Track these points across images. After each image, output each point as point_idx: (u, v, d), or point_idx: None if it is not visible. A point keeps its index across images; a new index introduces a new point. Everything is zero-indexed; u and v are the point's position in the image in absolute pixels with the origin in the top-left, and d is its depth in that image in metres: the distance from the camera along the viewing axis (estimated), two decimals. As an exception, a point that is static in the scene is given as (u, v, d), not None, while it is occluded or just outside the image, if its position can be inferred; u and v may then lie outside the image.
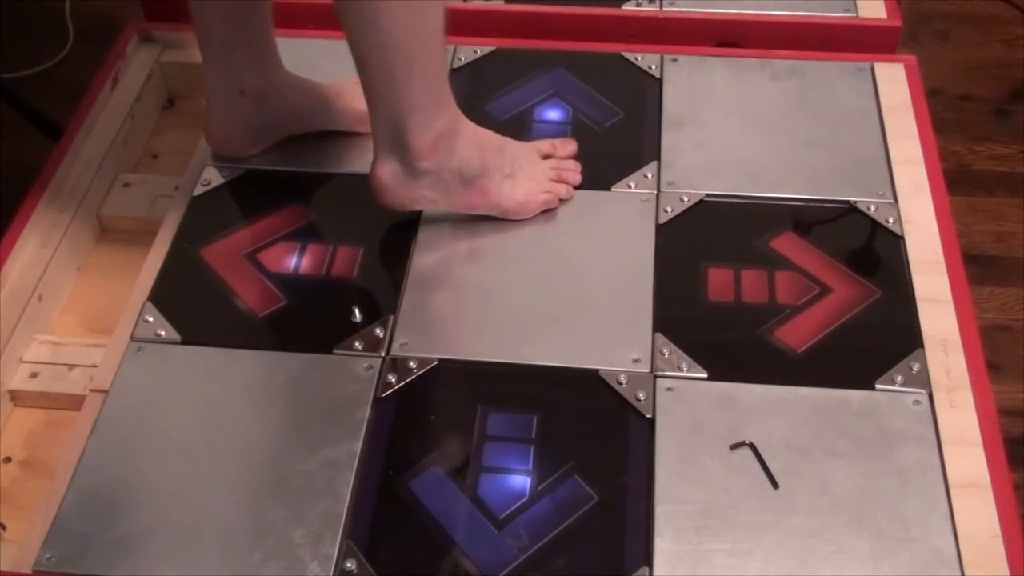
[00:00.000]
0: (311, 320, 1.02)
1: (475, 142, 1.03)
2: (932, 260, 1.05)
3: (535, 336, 0.99)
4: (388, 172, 1.02)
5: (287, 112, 1.14)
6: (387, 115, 0.98)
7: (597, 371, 0.96)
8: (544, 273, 1.05)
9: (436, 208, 1.07)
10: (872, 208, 1.09)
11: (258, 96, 1.11)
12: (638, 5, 1.33)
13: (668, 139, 1.17)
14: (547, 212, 1.10)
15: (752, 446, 0.91)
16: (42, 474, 0.96)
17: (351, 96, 1.15)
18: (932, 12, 1.85)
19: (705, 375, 0.96)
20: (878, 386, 0.95)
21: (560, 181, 1.11)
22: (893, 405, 0.93)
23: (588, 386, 0.96)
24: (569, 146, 1.14)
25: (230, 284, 1.05)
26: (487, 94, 1.24)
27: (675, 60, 1.27)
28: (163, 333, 1.01)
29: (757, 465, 0.90)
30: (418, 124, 0.97)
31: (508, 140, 1.09)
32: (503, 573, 0.84)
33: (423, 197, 1.04)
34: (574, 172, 1.12)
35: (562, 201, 1.10)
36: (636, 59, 1.27)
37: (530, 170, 1.09)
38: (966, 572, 0.83)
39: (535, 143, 1.13)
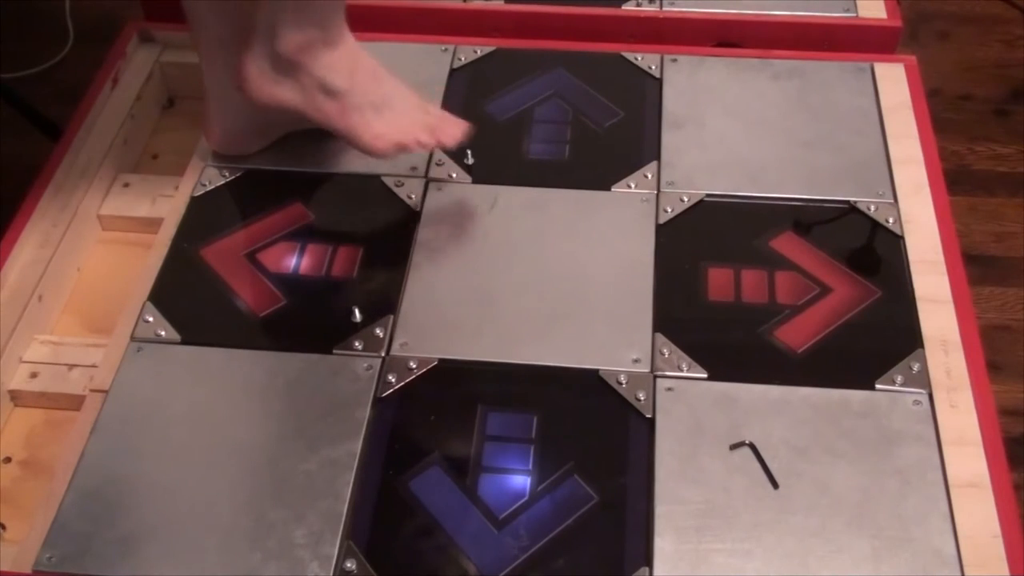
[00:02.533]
0: (311, 320, 1.02)
1: (350, 60, 1.04)
2: (932, 260, 1.05)
3: (535, 336, 0.99)
4: (255, 61, 1.03)
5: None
6: (269, 7, 0.99)
7: (597, 371, 0.96)
8: (544, 273, 1.05)
9: (298, 114, 1.06)
10: (872, 208, 1.09)
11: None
12: (638, 5, 1.33)
13: (668, 139, 1.17)
14: (547, 212, 1.10)
15: (752, 446, 0.91)
16: (42, 474, 0.96)
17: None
18: (932, 12, 1.85)
19: (705, 375, 0.96)
20: (878, 386, 0.95)
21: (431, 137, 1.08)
22: (893, 405, 0.93)
23: (588, 386, 0.96)
24: (458, 127, 1.09)
25: (230, 284, 1.05)
26: (487, 94, 1.24)
27: (675, 60, 1.27)
28: (163, 333, 1.01)
29: (757, 465, 0.90)
30: (294, 21, 0.99)
31: (391, 77, 1.07)
32: (503, 573, 0.84)
33: (283, 96, 1.04)
34: (451, 132, 1.08)
35: (422, 145, 1.08)
36: (636, 59, 1.27)
37: (401, 109, 1.07)
38: (966, 572, 0.83)
39: (427, 104, 1.10)
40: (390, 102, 1.07)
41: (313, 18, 1.00)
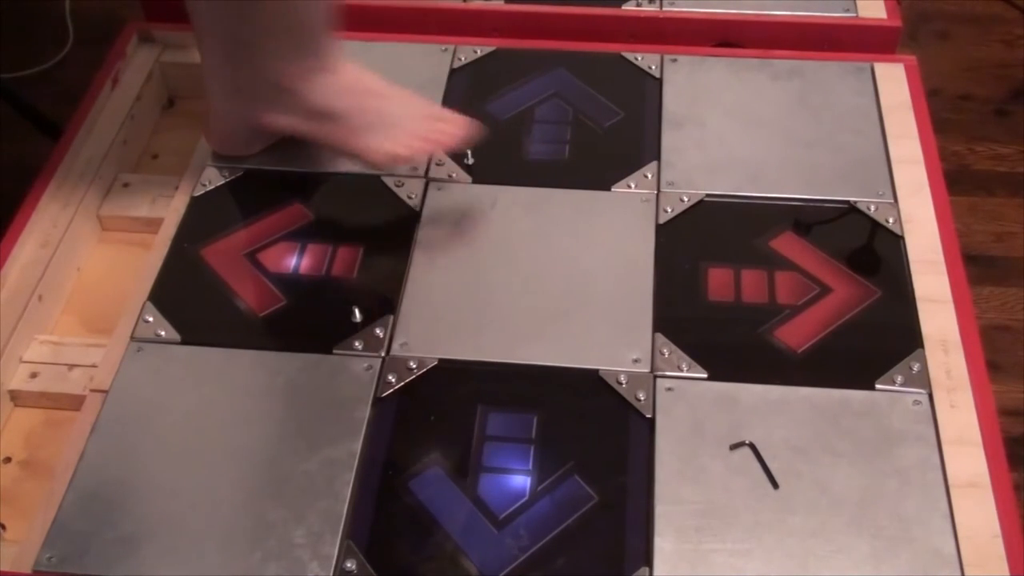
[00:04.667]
0: (311, 320, 1.02)
1: (347, 82, 1.06)
2: (932, 260, 1.05)
3: (535, 336, 0.99)
4: (253, 91, 1.07)
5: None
6: (263, 37, 1.02)
7: (597, 371, 0.96)
8: (544, 273, 1.05)
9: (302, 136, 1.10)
10: (872, 208, 1.09)
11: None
12: (638, 5, 1.33)
13: (668, 139, 1.17)
14: (547, 212, 1.10)
15: (752, 446, 0.91)
16: (42, 474, 0.96)
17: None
18: (932, 12, 1.85)
19: (705, 375, 0.96)
20: (878, 386, 0.95)
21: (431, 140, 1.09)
22: (893, 405, 0.93)
23: (588, 386, 0.96)
24: (460, 128, 1.09)
25: (230, 284, 1.05)
26: (487, 94, 1.24)
27: (675, 60, 1.27)
28: (163, 333, 1.01)
29: (757, 465, 0.90)
30: (289, 49, 1.03)
31: (391, 88, 1.09)
32: (503, 573, 0.84)
33: (285, 124, 1.09)
34: (450, 133, 1.09)
35: (428, 153, 1.12)
36: (636, 59, 1.27)
37: (404, 122, 1.08)
38: (966, 572, 0.83)
39: (432, 108, 1.12)
40: (392, 117, 1.08)
41: (307, 46, 1.02)
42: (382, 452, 0.92)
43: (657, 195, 1.11)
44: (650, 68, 1.26)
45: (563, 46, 1.29)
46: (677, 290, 1.03)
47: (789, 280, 1.03)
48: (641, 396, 0.94)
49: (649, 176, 1.13)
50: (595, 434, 0.93)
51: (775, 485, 0.89)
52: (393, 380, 0.96)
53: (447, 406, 0.95)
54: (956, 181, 1.51)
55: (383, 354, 0.98)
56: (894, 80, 1.23)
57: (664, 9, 1.32)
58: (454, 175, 1.14)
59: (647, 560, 0.84)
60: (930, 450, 0.90)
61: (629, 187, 1.13)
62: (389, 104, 1.08)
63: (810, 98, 1.21)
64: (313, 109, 1.06)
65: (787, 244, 1.07)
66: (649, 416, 0.93)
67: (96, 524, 0.88)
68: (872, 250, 1.07)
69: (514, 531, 0.87)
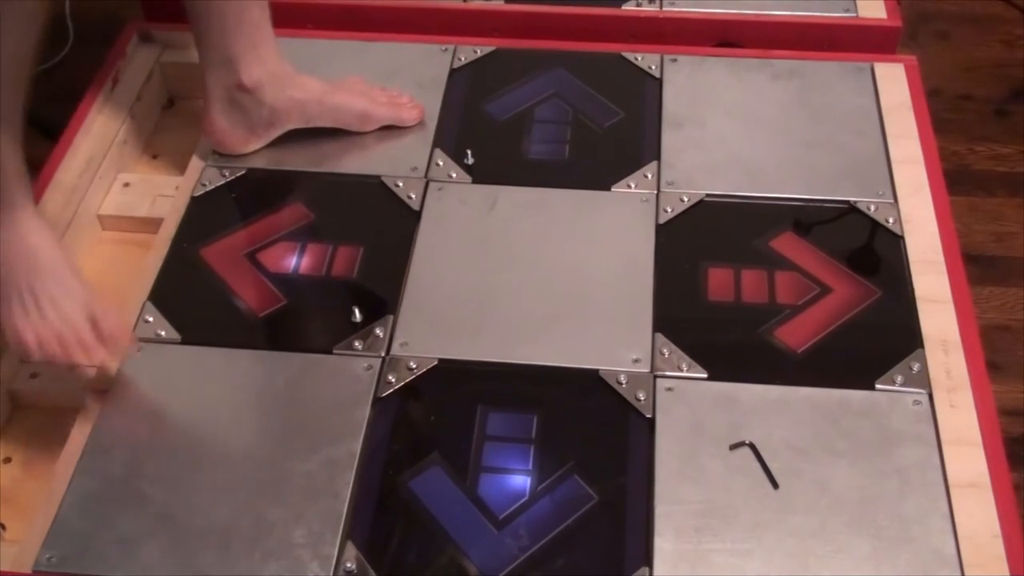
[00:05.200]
0: (311, 320, 1.02)
1: (7, 243, 0.94)
2: (932, 260, 1.05)
3: (535, 336, 0.99)
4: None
5: (285, 104, 1.14)
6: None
7: (597, 371, 0.96)
8: (544, 273, 1.05)
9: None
10: (872, 208, 1.09)
11: (256, 87, 1.11)
12: (638, 5, 1.33)
13: (668, 139, 1.17)
14: (547, 212, 1.10)
15: (752, 446, 0.91)
16: (42, 474, 0.96)
17: (350, 93, 1.17)
18: (932, 12, 1.85)
19: (705, 375, 0.96)
20: (878, 386, 0.95)
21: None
22: (893, 405, 0.93)
23: (588, 386, 0.96)
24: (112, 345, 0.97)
25: (230, 284, 1.05)
26: (487, 94, 1.24)
27: (675, 60, 1.27)
28: (163, 333, 1.01)
29: (757, 465, 0.90)
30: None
31: (58, 270, 0.96)
32: (503, 573, 0.84)
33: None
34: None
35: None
36: (636, 59, 1.27)
37: (49, 315, 0.94)
38: (966, 572, 0.83)
39: (94, 311, 0.96)
40: (43, 300, 0.94)
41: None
42: (382, 452, 0.92)
43: (657, 195, 1.11)
44: (650, 68, 1.26)
45: (563, 46, 1.29)
46: (677, 290, 1.03)
47: (789, 280, 1.03)
48: (641, 396, 0.94)
49: (649, 176, 1.13)
50: (595, 434, 0.93)
51: (775, 485, 0.89)
52: (393, 380, 0.96)
53: (447, 406, 0.95)
54: (956, 181, 1.51)
55: (383, 354, 0.98)
56: (894, 80, 1.23)
57: (664, 9, 1.32)
58: (454, 175, 1.14)
59: (647, 560, 0.84)
60: (930, 450, 0.90)
61: (629, 187, 1.13)
62: (44, 284, 0.94)
63: (810, 98, 1.21)
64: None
65: (787, 244, 1.07)
66: (649, 416, 0.93)
67: (96, 524, 0.88)
68: (872, 250, 1.07)
69: (514, 531, 0.86)
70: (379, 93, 1.19)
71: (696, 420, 0.93)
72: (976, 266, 1.43)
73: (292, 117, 1.15)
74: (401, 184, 1.13)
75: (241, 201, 1.14)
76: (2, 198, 0.92)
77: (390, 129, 1.19)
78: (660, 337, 0.99)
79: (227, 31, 1.07)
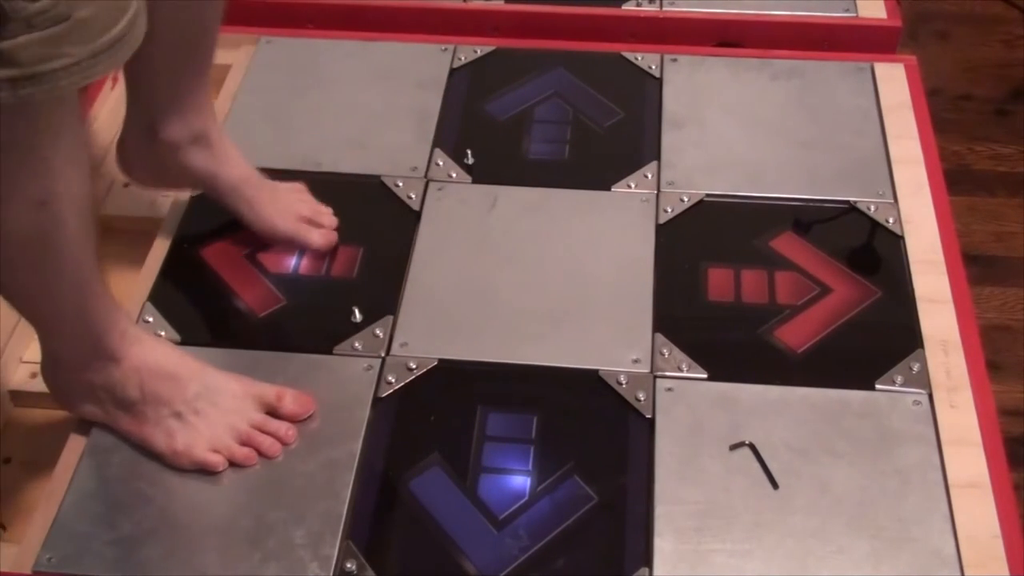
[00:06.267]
0: (311, 320, 1.02)
1: (136, 369, 0.89)
2: (932, 260, 1.05)
3: (535, 336, 0.99)
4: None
5: (199, 173, 1.05)
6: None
7: (597, 371, 0.96)
8: (544, 273, 1.05)
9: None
10: (872, 208, 1.09)
11: (173, 146, 1.02)
12: (638, 5, 1.33)
13: (668, 139, 1.17)
14: (547, 212, 1.10)
15: (752, 446, 0.91)
16: (42, 474, 0.96)
17: (273, 204, 1.07)
18: (932, 12, 1.85)
19: (705, 375, 0.96)
20: (878, 386, 0.95)
21: (248, 443, 0.91)
22: (893, 405, 0.93)
23: (588, 386, 0.96)
24: (301, 407, 0.93)
25: (230, 284, 1.05)
26: (487, 94, 1.24)
27: (675, 60, 1.27)
28: (163, 333, 1.01)
29: (757, 465, 0.90)
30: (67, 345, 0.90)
31: (202, 372, 0.92)
32: (503, 573, 0.84)
33: (87, 410, 0.92)
34: (271, 445, 0.91)
35: (234, 465, 0.90)
36: (636, 59, 1.27)
37: (212, 416, 0.91)
38: (966, 572, 0.83)
39: (261, 391, 0.93)
40: (197, 404, 0.91)
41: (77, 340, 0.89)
42: (382, 452, 0.92)
43: (657, 195, 1.11)
44: (650, 68, 1.26)
45: (563, 46, 1.29)
46: (677, 290, 1.03)
47: (789, 280, 1.03)
48: (641, 396, 0.94)
49: (649, 176, 1.13)
50: (595, 434, 0.93)
51: (775, 485, 0.89)
52: (393, 380, 0.96)
53: (447, 406, 0.95)
54: (956, 181, 1.51)
55: (383, 354, 0.98)
56: (894, 80, 1.23)
57: (664, 9, 1.32)
58: (454, 175, 1.14)
59: (647, 560, 0.84)
60: (930, 450, 0.90)
61: (629, 187, 1.13)
62: (200, 389, 0.91)
63: (810, 98, 1.21)
64: (109, 397, 0.91)
65: (787, 244, 1.07)
66: (649, 416, 0.93)
67: (96, 524, 0.88)
68: (872, 250, 1.07)
69: (514, 531, 0.86)
70: (305, 208, 1.08)
71: (696, 420, 0.93)
72: (976, 266, 1.43)
73: (205, 186, 1.07)
74: (401, 184, 1.13)
75: (241, 201, 1.13)
76: (113, 334, 0.88)
77: (391, 128, 1.19)
78: (660, 337, 0.99)
79: (162, 82, 0.98)
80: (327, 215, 1.09)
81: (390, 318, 1.01)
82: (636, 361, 0.97)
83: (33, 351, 1.05)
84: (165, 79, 0.97)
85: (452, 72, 1.26)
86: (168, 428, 0.90)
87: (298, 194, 1.09)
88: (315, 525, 0.87)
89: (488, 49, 1.29)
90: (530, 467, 0.91)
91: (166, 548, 0.86)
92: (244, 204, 1.07)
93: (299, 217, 1.07)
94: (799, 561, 0.84)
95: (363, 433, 0.92)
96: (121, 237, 1.18)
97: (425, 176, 1.14)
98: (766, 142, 1.17)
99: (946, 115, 1.66)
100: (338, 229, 1.09)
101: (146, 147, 1.02)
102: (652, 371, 0.96)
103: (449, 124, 1.20)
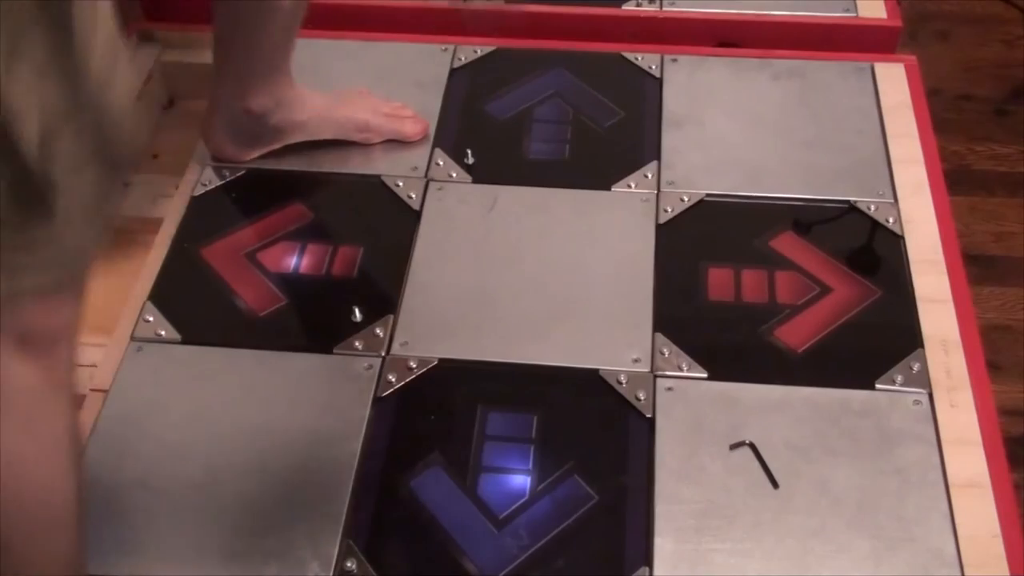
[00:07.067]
0: (311, 320, 1.02)
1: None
2: (932, 260, 1.05)
3: (535, 336, 0.99)
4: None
5: (288, 126, 1.14)
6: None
7: (597, 371, 0.96)
8: (544, 273, 1.05)
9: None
10: (872, 208, 1.09)
11: (263, 113, 1.11)
12: (638, 5, 1.33)
13: (668, 139, 1.17)
14: (547, 212, 1.10)
15: (752, 446, 0.91)
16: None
17: (353, 106, 1.17)
18: (932, 12, 1.85)
19: (705, 375, 0.96)
20: (878, 386, 0.95)
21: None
22: (893, 405, 0.93)
23: (588, 386, 0.96)
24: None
25: (230, 284, 1.05)
26: (487, 94, 1.24)
27: (675, 60, 1.27)
28: (163, 333, 1.01)
29: (757, 465, 0.90)
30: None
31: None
32: (503, 573, 0.84)
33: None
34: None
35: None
36: (636, 59, 1.27)
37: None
38: (966, 572, 0.83)
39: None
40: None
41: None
42: (382, 452, 0.92)
43: (657, 195, 1.11)
44: (650, 68, 1.26)
45: (563, 46, 1.29)
46: (677, 290, 1.03)
47: (789, 280, 1.03)
48: (641, 396, 0.94)
49: (649, 176, 1.13)
50: (595, 434, 0.93)
51: (775, 485, 0.89)
52: (393, 380, 0.96)
53: (447, 406, 0.95)
54: (956, 181, 1.51)
55: (383, 354, 0.98)
56: (894, 80, 1.23)
57: (664, 9, 1.32)
58: (454, 175, 1.14)
59: (647, 560, 0.84)
60: (930, 450, 0.90)
61: (629, 187, 1.13)
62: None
63: (810, 98, 1.21)
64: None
65: (787, 244, 1.07)
66: (649, 416, 0.93)
67: (96, 524, 0.88)
68: (872, 250, 1.07)
69: (514, 531, 0.86)
70: (383, 105, 1.18)
71: (696, 420, 0.93)
72: (976, 266, 1.43)
73: (294, 135, 1.15)
74: (401, 184, 1.13)
75: (241, 201, 1.14)
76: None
77: (390, 129, 1.19)
78: (660, 337, 0.99)
79: (250, 53, 1.06)
80: (403, 107, 1.19)
81: (390, 317, 1.01)
82: (636, 360, 0.97)
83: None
84: (257, 45, 1.06)
85: (452, 72, 1.26)
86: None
87: (369, 97, 1.19)
88: (315, 524, 0.87)
89: (488, 49, 1.29)
90: (530, 466, 0.91)
91: (166, 548, 0.86)
92: (339, 127, 1.17)
93: (384, 115, 1.18)
94: (799, 561, 0.84)
95: (363, 432, 0.92)
96: (121, 237, 1.18)
97: (425, 176, 1.14)
98: (766, 142, 1.17)
99: (946, 115, 1.66)
100: (338, 229, 1.09)
101: (236, 124, 1.12)
102: (652, 371, 0.96)
103: (449, 124, 1.20)
